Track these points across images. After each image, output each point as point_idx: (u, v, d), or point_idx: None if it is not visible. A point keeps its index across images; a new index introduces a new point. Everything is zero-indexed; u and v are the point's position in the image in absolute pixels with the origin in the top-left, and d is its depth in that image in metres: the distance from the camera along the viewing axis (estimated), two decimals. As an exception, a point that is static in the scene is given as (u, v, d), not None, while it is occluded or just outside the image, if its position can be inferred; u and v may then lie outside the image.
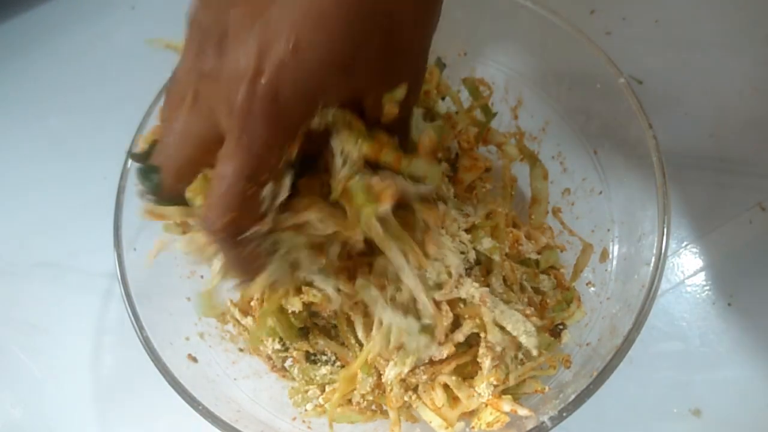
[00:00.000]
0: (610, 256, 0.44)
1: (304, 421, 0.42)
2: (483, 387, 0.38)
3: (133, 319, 0.40)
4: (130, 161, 0.44)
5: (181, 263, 0.46)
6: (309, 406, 0.42)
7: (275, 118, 0.27)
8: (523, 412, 0.37)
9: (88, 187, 0.59)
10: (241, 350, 0.46)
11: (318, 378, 0.42)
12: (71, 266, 0.57)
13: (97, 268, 0.56)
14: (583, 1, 0.61)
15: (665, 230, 0.38)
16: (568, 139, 0.48)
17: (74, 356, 0.54)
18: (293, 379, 0.44)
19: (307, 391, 0.43)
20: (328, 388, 0.42)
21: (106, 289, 0.56)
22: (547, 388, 0.39)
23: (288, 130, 0.27)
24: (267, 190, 0.28)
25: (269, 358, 0.44)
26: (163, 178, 0.31)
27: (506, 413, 0.38)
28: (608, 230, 0.45)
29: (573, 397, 0.35)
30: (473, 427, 0.38)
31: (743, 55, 0.58)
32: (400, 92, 0.30)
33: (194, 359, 0.42)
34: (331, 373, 0.42)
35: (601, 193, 0.46)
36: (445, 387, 0.39)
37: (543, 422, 0.35)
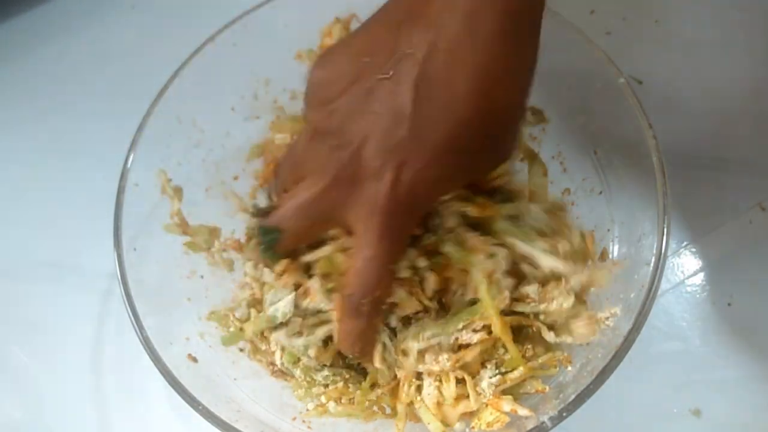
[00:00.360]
0: (610, 256, 0.44)
1: (304, 421, 0.42)
2: (485, 385, 0.38)
3: (133, 319, 0.40)
4: (130, 160, 0.44)
5: (181, 263, 0.46)
6: (311, 405, 0.42)
7: (411, 215, 0.34)
8: (523, 412, 0.37)
9: (88, 187, 0.59)
10: (241, 350, 0.46)
11: (321, 379, 0.42)
12: (71, 266, 0.57)
13: (97, 268, 0.56)
14: (583, 1, 0.61)
15: (665, 230, 0.38)
16: (568, 139, 0.48)
17: (74, 356, 0.54)
18: (294, 378, 0.44)
19: (310, 387, 0.43)
20: (331, 388, 0.42)
21: (106, 289, 0.55)
22: (547, 387, 0.39)
23: (418, 220, 0.36)
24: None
25: (271, 363, 0.44)
26: (282, 239, 0.37)
27: (506, 413, 0.38)
28: (608, 230, 0.45)
29: (573, 397, 0.35)
30: (473, 427, 0.38)
31: (743, 55, 0.58)
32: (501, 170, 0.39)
33: (194, 359, 0.42)
34: (333, 375, 0.42)
35: (601, 193, 0.46)
36: (459, 381, 0.39)
37: (543, 422, 0.35)
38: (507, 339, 0.38)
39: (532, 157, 0.48)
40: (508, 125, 0.34)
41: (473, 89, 0.31)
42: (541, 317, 0.39)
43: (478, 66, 0.31)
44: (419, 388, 0.40)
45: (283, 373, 0.44)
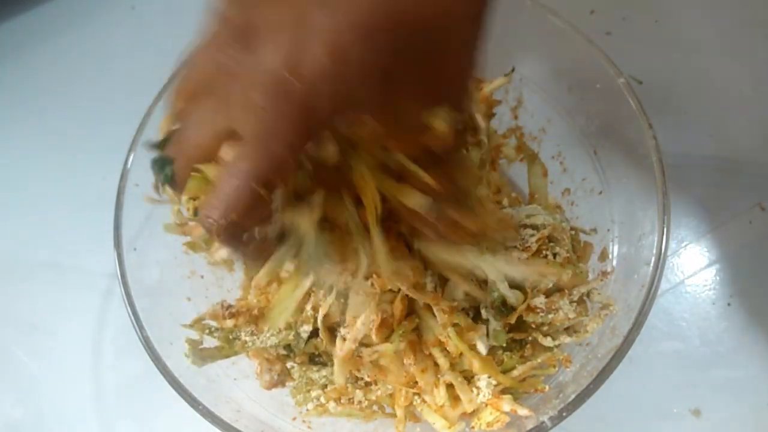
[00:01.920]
0: (610, 256, 0.44)
1: (304, 421, 0.43)
2: (483, 385, 0.38)
3: (133, 319, 0.40)
4: (130, 160, 0.44)
5: (181, 263, 0.46)
6: (310, 406, 0.42)
7: (303, 122, 0.25)
8: (523, 412, 0.37)
9: (88, 187, 0.59)
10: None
11: (319, 379, 0.43)
12: (71, 266, 0.57)
13: (97, 268, 0.56)
14: (583, 1, 0.61)
15: (665, 230, 0.38)
16: (568, 139, 0.48)
17: (74, 356, 0.54)
18: (293, 379, 0.44)
19: (309, 390, 0.43)
20: (329, 388, 0.42)
21: (106, 289, 0.56)
22: (547, 387, 0.40)
23: (313, 134, 0.26)
24: (276, 195, 0.27)
25: (269, 369, 0.44)
26: (177, 169, 0.30)
27: (506, 413, 0.38)
28: (608, 230, 0.45)
29: (573, 397, 0.35)
30: (473, 427, 0.38)
31: (743, 55, 0.58)
32: (442, 113, 0.29)
33: (195, 359, 0.43)
34: (331, 374, 0.42)
35: (601, 193, 0.46)
36: (448, 387, 0.39)
37: (543, 422, 0.35)
38: (493, 373, 0.38)
39: (532, 158, 0.48)
40: (451, 45, 0.28)
41: None
42: (544, 328, 0.39)
43: None
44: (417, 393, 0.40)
45: (275, 384, 0.44)
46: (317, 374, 0.43)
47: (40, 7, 0.71)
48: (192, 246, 0.46)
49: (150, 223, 0.45)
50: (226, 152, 0.27)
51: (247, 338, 0.42)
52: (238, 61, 0.26)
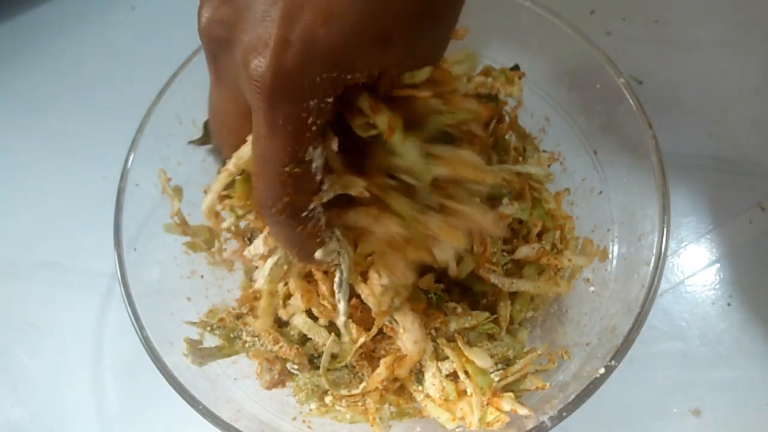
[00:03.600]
0: (610, 256, 0.44)
1: (304, 421, 0.42)
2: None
3: (133, 319, 0.40)
4: (130, 160, 0.44)
5: (181, 263, 0.46)
6: (313, 406, 0.42)
7: (306, 93, 0.25)
8: (523, 411, 0.37)
9: (88, 187, 0.59)
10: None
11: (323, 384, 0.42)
12: (71, 266, 0.57)
13: (97, 268, 0.56)
14: (583, 1, 0.61)
15: (665, 230, 0.38)
16: (568, 139, 0.48)
17: (74, 356, 0.54)
18: (293, 379, 0.43)
19: (321, 397, 0.43)
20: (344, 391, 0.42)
21: (106, 289, 0.56)
22: (548, 384, 0.39)
23: (320, 101, 0.25)
24: (316, 159, 0.26)
25: (269, 369, 0.44)
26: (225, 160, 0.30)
27: (506, 413, 0.38)
28: (608, 230, 0.45)
29: (573, 397, 0.35)
30: (469, 425, 0.38)
31: (743, 55, 0.58)
32: (424, 73, 0.28)
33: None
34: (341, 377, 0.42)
35: (601, 193, 0.46)
36: (455, 377, 0.39)
37: (543, 422, 0.35)
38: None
39: (523, 135, 0.48)
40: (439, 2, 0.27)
41: None
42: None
43: None
44: (420, 380, 0.40)
45: (275, 384, 0.44)
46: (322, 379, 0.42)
47: (40, 7, 0.71)
48: (192, 246, 0.46)
49: (150, 223, 0.45)
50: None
51: (248, 338, 0.42)
52: (232, 35, 0.26)
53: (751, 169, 0.53)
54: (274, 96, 0.24)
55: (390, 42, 0.26)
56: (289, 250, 0.31)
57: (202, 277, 0.47)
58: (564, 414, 0.35)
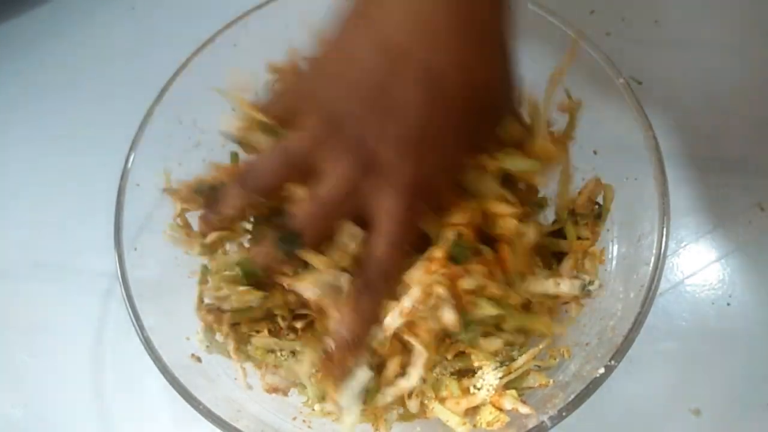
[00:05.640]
0: (610, 256, 0.44)
1: (304, 421, 0.42)
2: (490, 378, 0.38)
3: (133, 319, 0.40)
4: (130, 160, 0.44)
5: (181, 263, 0.46)
6: (317, 407, 0.42)
7: (429, 201, 0.36)
8: (524, 410, 0.37)
9: (88, 187, 0.59)
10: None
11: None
12: (71, 266, 0.57)
13: (97, 268, 0.56)
14: (583, 1, 0.61)
15: (665, 230, 0.38)
16: (567, 139, 0.48)
17: (74, 356, 0.54)
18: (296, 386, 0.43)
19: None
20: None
21: (106, 289, 0.56)
22: (551, 381, 0.39)
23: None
24: None
25: (273, 372, 0.44)
26: (305, 242, 0.36)
27: (506, 412, 0.38)
28: (608, 230, 0.45)
29: (573, 396, 0.35)
30: (474, 425, 0.38)
31: (743, 55, 0.58)
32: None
33: (198, 359, 0.42)
34: None
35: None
36: (459, 375, 0.39)
37: (543, 422, 0.35)
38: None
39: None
40: (495, 100, 0.38)
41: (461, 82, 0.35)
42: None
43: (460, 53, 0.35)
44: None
45: (277, 390, 0.44)
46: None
47: (40, 7, 0.71)
48: (169, 228, 0.45)
49: (150, 223, 0.45)
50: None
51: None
52: (378, 176, 0.34)
53: (751, 169, 0.53)
54: (410, 204, 0.35)
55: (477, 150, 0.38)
56: (360, 323, 0.36)
57: (202, 277, 0.47)
58: (564, 414, 0.35)
